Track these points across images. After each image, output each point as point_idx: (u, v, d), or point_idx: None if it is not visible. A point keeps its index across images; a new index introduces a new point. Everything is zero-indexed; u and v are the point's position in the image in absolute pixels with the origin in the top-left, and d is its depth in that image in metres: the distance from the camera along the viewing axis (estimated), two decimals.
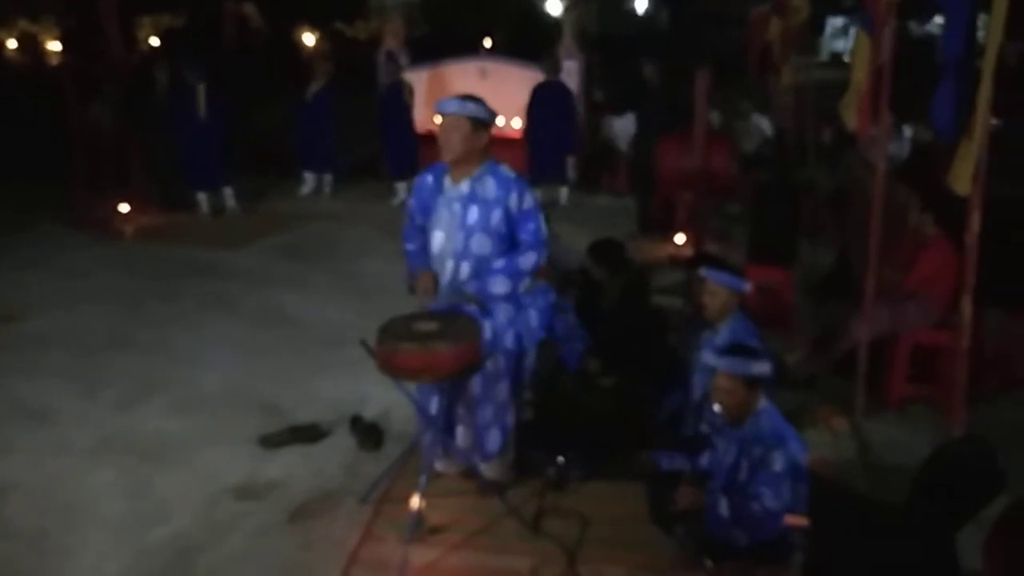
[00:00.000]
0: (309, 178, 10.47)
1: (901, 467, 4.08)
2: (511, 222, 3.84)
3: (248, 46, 13.32)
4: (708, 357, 3.47)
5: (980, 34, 4.28)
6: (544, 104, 9.75)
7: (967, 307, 4.16)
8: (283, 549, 3.71)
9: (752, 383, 3.33)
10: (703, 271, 4.27)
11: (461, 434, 4.06)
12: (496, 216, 3.81)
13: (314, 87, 10.20)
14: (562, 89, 9.91)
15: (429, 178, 3.98)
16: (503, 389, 4.02)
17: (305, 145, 10.25)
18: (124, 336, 5.98)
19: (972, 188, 3.95)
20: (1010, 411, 4.87)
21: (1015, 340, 5.18)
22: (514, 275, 3.86)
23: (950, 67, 4.10)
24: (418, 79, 10.67)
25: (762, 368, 3.34)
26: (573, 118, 9.99)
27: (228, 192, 9.58)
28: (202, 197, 9.44)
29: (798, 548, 3.25)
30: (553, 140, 9.66)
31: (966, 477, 3.19)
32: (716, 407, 3.43)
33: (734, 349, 3.47)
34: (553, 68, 9.92)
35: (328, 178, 10.48)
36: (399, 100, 10.05)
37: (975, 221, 4.00)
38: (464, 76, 10.90)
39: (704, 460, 3.69)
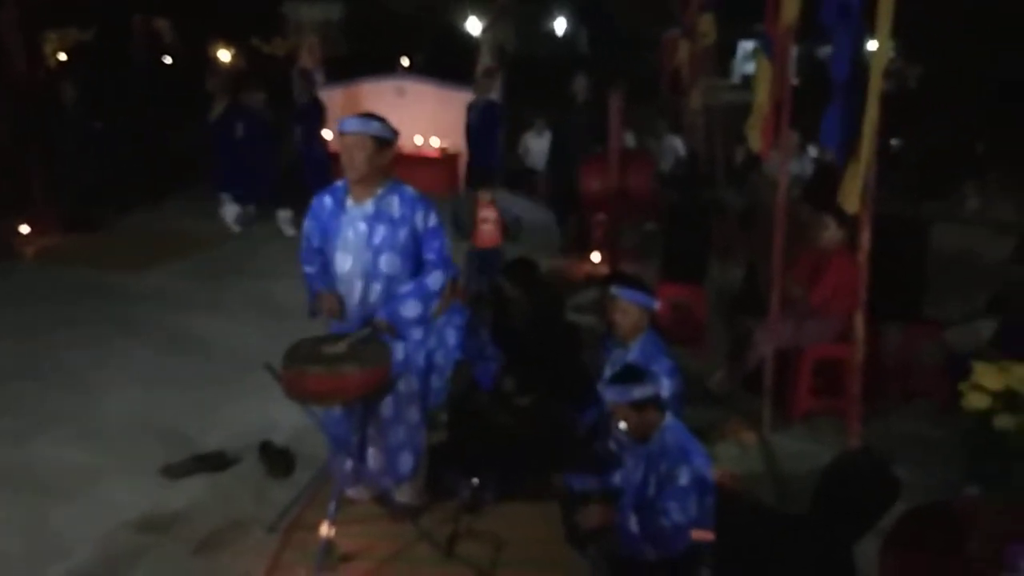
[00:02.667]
0: (226, 199, 10.05)
1: (807, 478, 4.19)
2: (417, 241, 3.82)
3: (159, 62, 12.95)
4: (599, 385, 3.50)
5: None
6: (475, 120, 9.72)
7: (860, 323, 4.31)
8: None
9: (639, 406, 3.38)
10: (614, 289, 4.30)
11: (372, 457, 3.99)
12: (403, 235, 3.78)
13: (218, 108, 9.54)
14: (489, 106, 9.92)
15: (327, 198, 3.90)
16: (415, 410, 3.99)
17: (221, 169, 9.69)
18: (22, 363, 5.73)
19: (861, 207, 4.10)
20: (907, 423, 5.05)
21: (913, 353, 5.39)
22: (424, 297, 3.81)
23: (838, 89, 4.27)
24: (332, 97, 10.55)
25: (645, 392, 3.37)
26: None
27: (250, 209, 9.54)
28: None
29: (705, 562, 3.30)
30: (483, 156, 9.67)
31: (861, 487, 3.29)
32: (622, 425, 3.46)
33: (617, 377, 3.51)
34: (484, 87, 9.89)
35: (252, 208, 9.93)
36: (316, 118, 9.89)
37: (865, 239, 4.15)
38: (381, 95, 10.85)
39: (617, 478, 3.72)
